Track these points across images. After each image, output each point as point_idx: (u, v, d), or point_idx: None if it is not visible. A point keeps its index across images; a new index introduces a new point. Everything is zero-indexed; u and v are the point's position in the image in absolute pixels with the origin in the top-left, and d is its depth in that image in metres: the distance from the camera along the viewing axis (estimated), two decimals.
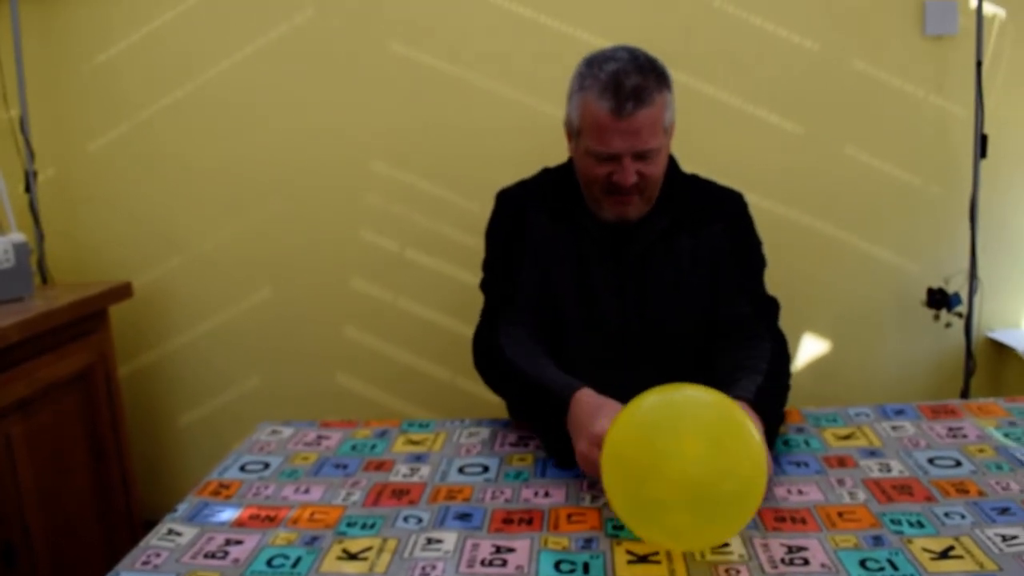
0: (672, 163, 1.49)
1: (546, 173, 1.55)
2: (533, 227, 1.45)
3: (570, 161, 1.48)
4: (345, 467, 1.23)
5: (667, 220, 1.42)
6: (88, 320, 1.95)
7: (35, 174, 2.20)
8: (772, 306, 1.45)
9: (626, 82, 1.29)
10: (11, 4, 2.10)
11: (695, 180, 1.52)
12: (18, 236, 1.87)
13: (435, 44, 2.16)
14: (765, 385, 1.22)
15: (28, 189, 2.19)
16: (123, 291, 2.07)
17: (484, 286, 1.51)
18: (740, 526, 0.90)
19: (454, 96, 2.18)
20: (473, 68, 2.16)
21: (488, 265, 1.52)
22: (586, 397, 1.15)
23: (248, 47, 2.21)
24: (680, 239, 1.43)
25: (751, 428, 0.91)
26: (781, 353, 1.35)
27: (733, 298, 1.41)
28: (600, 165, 1.35)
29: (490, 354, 1.38)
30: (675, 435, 0.89)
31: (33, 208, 2.20)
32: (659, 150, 1.34)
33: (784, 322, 1.46)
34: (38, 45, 2.26)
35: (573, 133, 1.41)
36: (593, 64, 1.34)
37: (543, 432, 1.27)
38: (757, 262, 1.49)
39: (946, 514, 0.98)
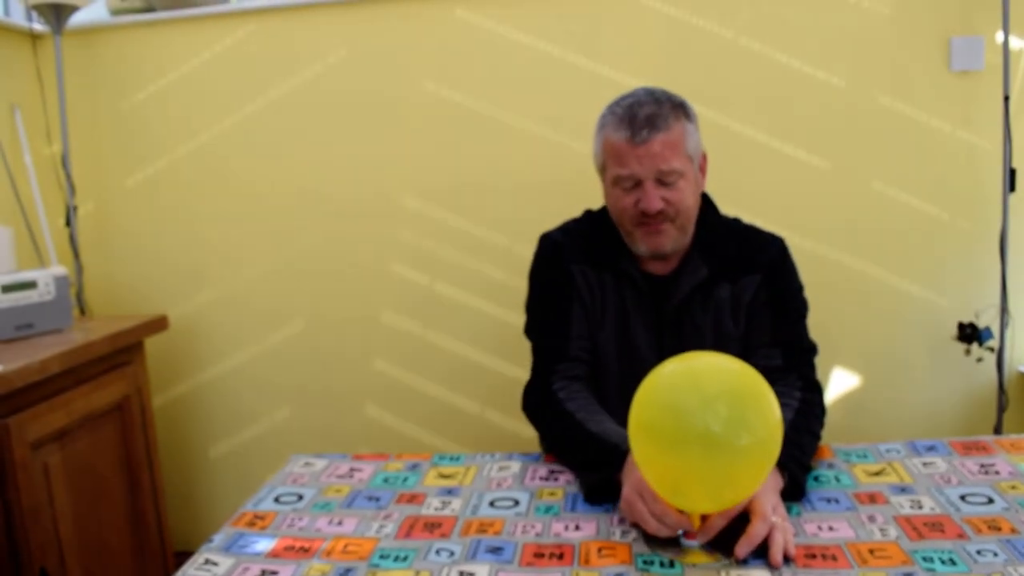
0: (711, 207, 1.50)
1: (589, 216, 1.55)
2: (578, 278, 1.46)
3: None
4: (377, 500, 1.24)
5: (707, 269, 1.42)
6: (125, 352, 1.99)
7: (75, 208, 2.26)
8: (808, 354, 1.43)
9: (640, 112, 1.33)
10: (55, 44, 2.18)
11: (735, 225, 1.51)
12: (59, 269, 1.92)
13: (466, 82, 2.21)
14: (785, 435, 1.22)
15: (68, 223, 2.25)
16: (159, 324, 2.11)
17: (530, 333, 1.51)
18: (756, 483, 0.95)
19: (485, 133, 2.22)
20: (503, 106, 2.20)
21: (532, 310, 1.52)
22: None
23: (283, 86, 2.27)
24: (719, 288, 1.43)
25: (771, 396, 0.95)
26: (813, 402, 1.33)
27: (765, 349, 1.40)
28: (627, 195, 1.38)
29: (547, 406, 1.39)
30: (699, 397, 0.95)
31: (73, 242, 2.25)
32: (682, 174, 1.35)
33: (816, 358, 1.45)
34: (80, 83, 2.33)
35: (600, 169, 1.44)
36: (613, 104, 1.40)
37: (581, 473, 1.26)
38: (796, 310, 1.46)
39: (978, 551, 0.98)
